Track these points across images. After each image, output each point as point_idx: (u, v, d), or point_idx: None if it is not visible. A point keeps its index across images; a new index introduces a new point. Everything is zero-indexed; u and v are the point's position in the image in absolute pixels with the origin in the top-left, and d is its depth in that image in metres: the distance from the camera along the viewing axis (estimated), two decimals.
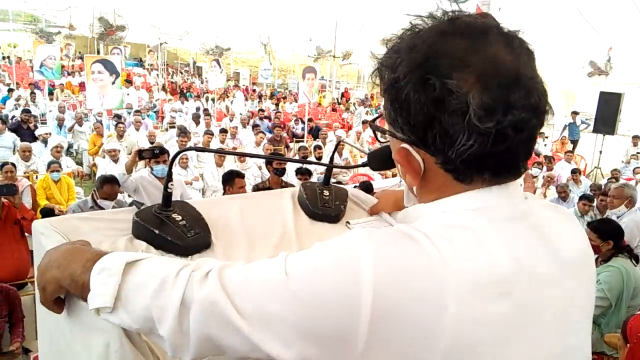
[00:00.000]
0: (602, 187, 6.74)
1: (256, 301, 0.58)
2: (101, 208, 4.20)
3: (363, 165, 1.04)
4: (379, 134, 0.74)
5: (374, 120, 0.72)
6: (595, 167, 9.59)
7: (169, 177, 1.03)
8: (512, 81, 0.57)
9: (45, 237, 0.91)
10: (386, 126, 0.68)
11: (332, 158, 1.32)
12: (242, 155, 6.52)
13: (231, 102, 15.05)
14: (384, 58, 0.64)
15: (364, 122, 11.71)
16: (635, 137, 10.21)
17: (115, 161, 6.78)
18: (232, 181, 4.55)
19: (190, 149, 1.41)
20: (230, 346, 0.60)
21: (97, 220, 1.01)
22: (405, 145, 0.64)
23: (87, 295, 0.67)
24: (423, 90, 0.58)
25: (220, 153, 6.87)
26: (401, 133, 0.63)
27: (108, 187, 4.27)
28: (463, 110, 0.56)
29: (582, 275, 0.67)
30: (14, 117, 10.43)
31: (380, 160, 0.95)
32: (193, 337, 0.61)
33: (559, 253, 0.63)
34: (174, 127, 10.32)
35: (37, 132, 8.10)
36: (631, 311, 3.42)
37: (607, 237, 3.44)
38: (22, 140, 7.67)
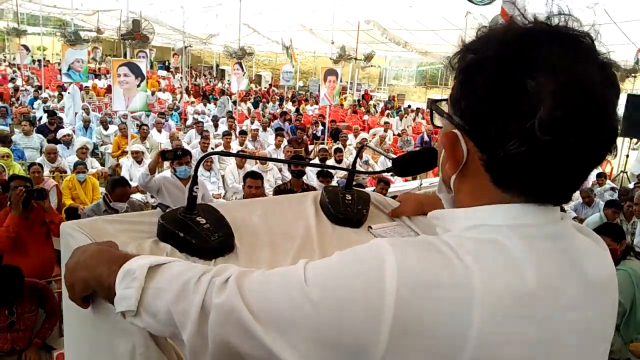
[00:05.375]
0: (629, 192, 6.58)
1: (274, 309, 0.58)
2: (115, 210, 4.28)
3: (387, 170, 1.04)
4: (435, 118, 0.72)
5: (438, 101, 0.70)
6: (621, 171, 9.36)
7: (194, 180, 1.04)
8: (590, 104, 0.55)
9: (73, 238, 0.93)
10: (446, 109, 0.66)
11: (354, 163, 1.32)
12: (265, 160, 6.54)
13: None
14: (470, 43, 0.62)
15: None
16: None
17: (139, 162, 6.89)
18: (245, 181, 4.70)
19: (214, 153, 1.42)
20: (248, 353, 0.59)
21: (123, 223, 1.03)
22: (455, 130, 0.62)
23: (113, 298, 0.69)
24: (500, 80, 0.56)
25: (243, 157, 6.92)
26: (459, 118, 0.61)
27: (120, 189, 4.37)
28: (529, 114, 0.54)
29: (606, 301, 0.65)
30: (41, 118, 10.70)
31: (405, 166, 0.95)
32: (211, 343, 0.61)
33: (586, 278, 0.62)
34: (192, 128, 10.46)
35: (58, 135, 8.24)
36: None
37: (620, 238, 3.46)
38: (48, 142, 7.86)
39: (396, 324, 0.52)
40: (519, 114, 0.55)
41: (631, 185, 7.77)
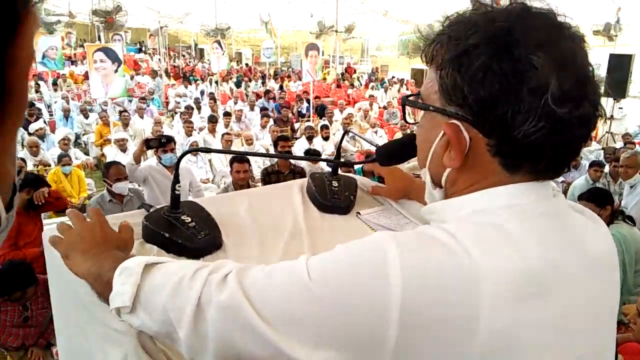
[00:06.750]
0: (616, 152, 6.64)
1: (280, 306, 0.57)
2: (120, 195, 4.24)
3: (371, 160, 1.02)
4: (407, 114, 0.72)
5: (410, 96, 0.68)
6: (606, 132, 9.44)
7: (176, 178, 1.02)
8: (586, 75, 0.58)
9: None
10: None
11: (338, 151, 1.31)
12: (249, 155, 6.38)
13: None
14: (448, 30, 0.61)
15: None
16: None
17: (124, 150, 6.79)
18: (231, 166, 4.68)
19: (194, 150, 1.40)
20: (251, 351, 0.58)
21: None
22: (455, 121, 0.60)
23: (107, 295, 0.70)
24: (504, 60, 0.55)
25: (226, 153, 6.71)
26: (459, 107, 0.59)
27: (114, 169, 4.26)
28: (542, 90, 0.54)
29: (609, 276, 0.65)
30: None
31: (390, 154, 0.94)
32: (212, 342, 0.60)
33: (587, 253, 0.62)
34: (177, 113, 10.33)
35: (30, 129, 7.76)
36: (639, 276, 3.42)
37: (604, 204, 3.42)
38: (29, 135, 7.68)
39: (404, 317, 0.52)
40: (533, 90, 0.55)
41: (617, 145, 7.84)
